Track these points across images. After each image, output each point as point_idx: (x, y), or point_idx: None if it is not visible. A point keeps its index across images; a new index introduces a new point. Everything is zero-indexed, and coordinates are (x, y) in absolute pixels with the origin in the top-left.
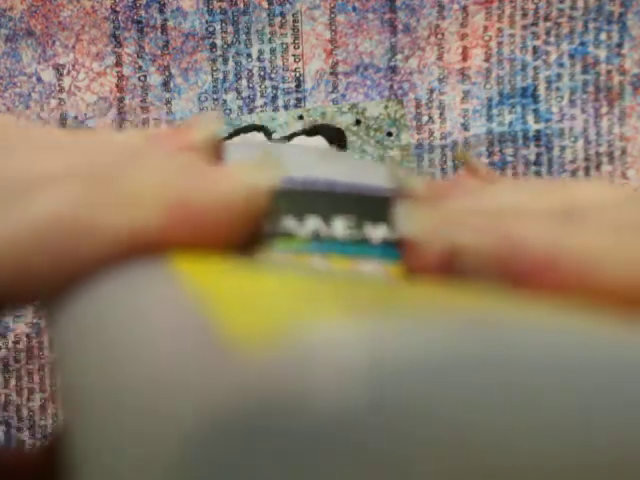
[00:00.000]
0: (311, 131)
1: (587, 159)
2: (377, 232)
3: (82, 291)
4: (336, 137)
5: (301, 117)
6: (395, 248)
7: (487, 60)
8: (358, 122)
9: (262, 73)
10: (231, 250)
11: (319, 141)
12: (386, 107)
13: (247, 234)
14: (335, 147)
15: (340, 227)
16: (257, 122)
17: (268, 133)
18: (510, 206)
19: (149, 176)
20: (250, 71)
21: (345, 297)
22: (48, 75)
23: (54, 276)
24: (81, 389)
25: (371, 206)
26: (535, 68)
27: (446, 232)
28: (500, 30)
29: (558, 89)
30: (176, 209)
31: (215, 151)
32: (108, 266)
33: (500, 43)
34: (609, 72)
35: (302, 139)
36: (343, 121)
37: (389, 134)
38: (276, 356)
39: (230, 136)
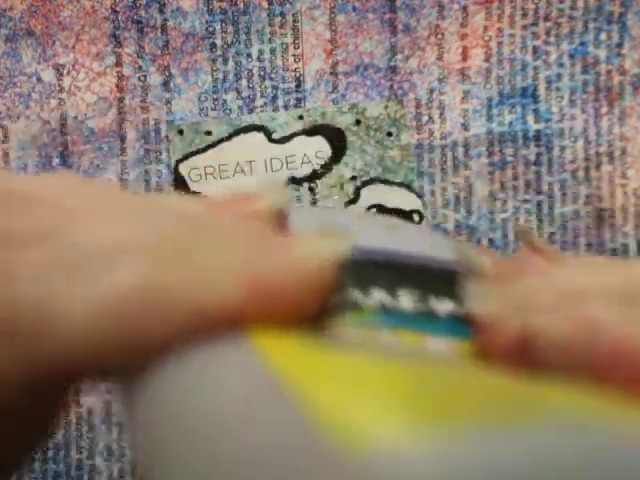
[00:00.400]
0: (311, 131)
1: (587, 159)
2: (444, 307)
3: (165, 367)
4: (336, 137)
5: (301, 117)
6: (463, 325)
7: (487, 60)
8: (358, 122)
9: (262, 73)
10: (302, 323)
11: (319, 141)
12: (386, 107)
13: (317, 306)
14: (335, 147)
15: (406, 300)
16: (257, 122)
17: (268, 133)
18: (580, 287)
19: (223, 251)
20: (250, 71)
21: (425, 396)
22: (48, 75)
23: (132, 351)
24: (164, 464)
25: (437, 280)
26: (535, 68)
27: (521, 314)
28: (500, 30)
29: (558, 89)
30: (254, 285)
31: (280, 219)
32: (188, 342)
33: (500, 43)
34: (609, 72)
35: (302, 139)
36: (343, 121)
37: (389, 134)
38: (366, 467)
39: (230, 136)
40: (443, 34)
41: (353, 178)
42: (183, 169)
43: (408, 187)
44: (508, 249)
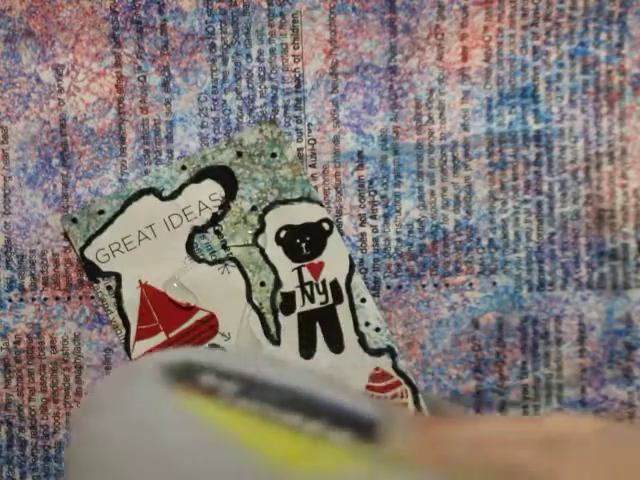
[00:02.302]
0: (198, 177)
1: (587, 159)
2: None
3: None
4: (224, 175)
5: (184, 167)
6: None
7: (487, 60)
8: (240, 154)
9: (262, 73)
10: None
11: (209, 184)
12: (261, 131)
13: None
14: (226, 185)
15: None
16: (144, 187)
17: (157, 193)
18: (494, 435)
19: None
20: (250, 71)
21: None
22: (47, 75)
23: None
24: None
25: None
26: (535, 68)
27: (440, 448)
28: (500, 30)
29: (558, 89)
30: None
31: None
32: None
33: (500, 43)
34: (609, 72)
35: (192, 187)
36: (225, 158)
37: (273, 155)
38: None
39: (122, 208)
40: (443, 34)
41: (254, 209)
42: (89, 253)
43: (308, 199)
44: (508, 249)
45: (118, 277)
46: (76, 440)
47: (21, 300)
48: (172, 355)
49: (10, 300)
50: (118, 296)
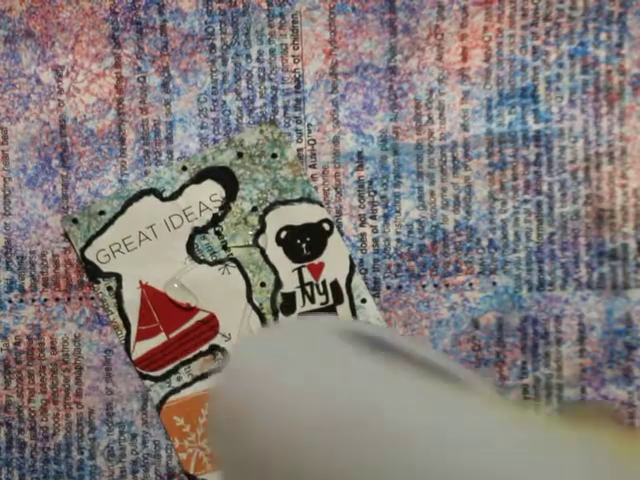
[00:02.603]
0: (198, 178)
1: (587, 159)
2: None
3: None
4: (225, 176)
5: (185, 168)
6: None
7: (487, 60)
8: (240, 155)
9: (261, 74)
10: None
11: (210, 185)
12: (262, 131)
13: None
14: (227, 186)
15: None
16: (145, 187)
17: (158, 194)
18: None
19: None
20: (249, 72)
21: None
22: (47, 76)
23: None
24: None
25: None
26: (535, 68)
27: None
28: (500, 30)
29: (558, 89)
30: None
31: None
32: None
33: (500, 43)
34: (609, 72)
35: (193, 188)
36: (225, 159)
37: (274, 155)
38: None
39: (123, 209)
40: (443, 34)
41: (254, 209)
42: (90, 254)
43: (308, 200)
44: (508, 249)
45: (119, 278)
46: (250, 408)
47: (21, 301)
48: (345, 324)
49: (10, 301)
50: (119, 297)
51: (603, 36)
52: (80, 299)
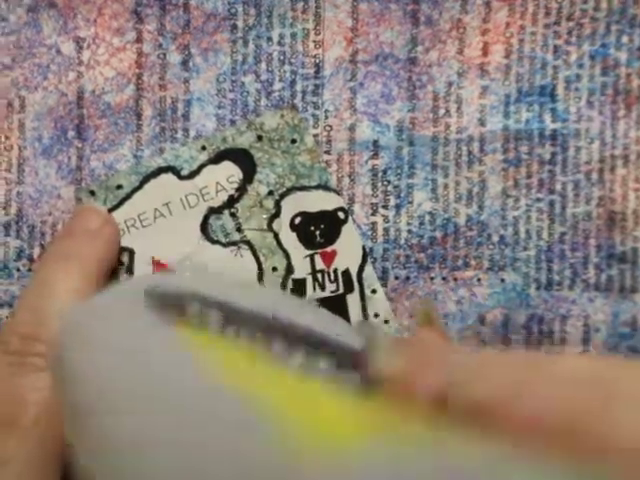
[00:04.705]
0: (217, 159)
1: (602, 161)
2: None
3: None
4: (243, 158)
5: (204, 147)
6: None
7: (507, 57)
8: (260, 138)
9: (282, 57)
10: None
11: (227, 166)
12: (282, 116)
13: None
14: (245, 168)
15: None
16: (163, 164)
17: (176, 172)
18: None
19: None
20: (270, 55)
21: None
22: (68, 48)
23: None
24: None
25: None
26: (555, 67)
27: (442, 372)
28: (522, 27)
29: (577, 89)
30: None
31: None
32: None
33: (521, 40)
34: (628, 75)
35: (210, 168)
36: (245, 141)
37: (293, 141)
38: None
39: (141, 184)
40: (465, 28)
41: (270, 193)
42: None
43: (325, 187)
44: (518, 247)
45: (131, 253)
46: (65, 377)
47: (29, 270)
48: (153, 281)
49: (18, 270)
50: (130, 272)
51: (625, 39)
52: None
